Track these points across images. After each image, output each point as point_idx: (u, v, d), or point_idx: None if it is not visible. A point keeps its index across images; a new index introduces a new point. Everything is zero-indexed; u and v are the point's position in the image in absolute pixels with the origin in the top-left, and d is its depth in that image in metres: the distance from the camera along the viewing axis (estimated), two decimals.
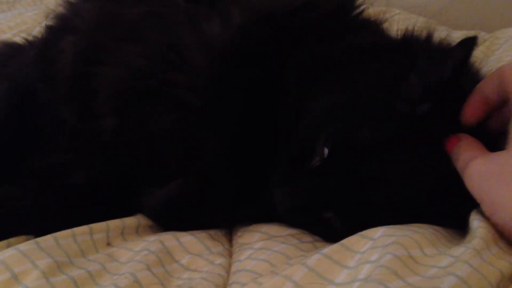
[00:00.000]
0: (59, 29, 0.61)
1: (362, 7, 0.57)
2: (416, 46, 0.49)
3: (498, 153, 0.37)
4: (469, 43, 0.42)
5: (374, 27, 0.59)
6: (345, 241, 0.38)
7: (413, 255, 0.34)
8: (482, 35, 0.83)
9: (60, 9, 0.63)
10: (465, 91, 0.42)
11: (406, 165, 0.41)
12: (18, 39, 0.92)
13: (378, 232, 0.37)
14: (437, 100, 0.40)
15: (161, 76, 0.50)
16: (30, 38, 0.74)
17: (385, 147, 0.41)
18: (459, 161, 0.38)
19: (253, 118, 0.48)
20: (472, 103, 0.41)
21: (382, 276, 0.31)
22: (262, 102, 0.48)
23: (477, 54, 0.74)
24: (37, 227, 0.45)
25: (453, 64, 0.41)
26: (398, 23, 0.86)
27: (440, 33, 0.51)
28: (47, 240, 0.41)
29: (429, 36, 0.50)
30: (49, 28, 0.63)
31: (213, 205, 0.47)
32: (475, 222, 0.36)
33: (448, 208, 0.40)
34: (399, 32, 0.53)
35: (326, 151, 0.43)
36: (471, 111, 0.41)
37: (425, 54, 0.45)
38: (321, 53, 0.49)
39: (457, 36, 0.82)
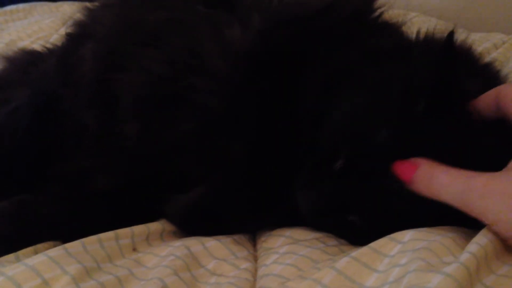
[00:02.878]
0: (79, 36, 0.61)
1: (380, 10, 0.57)
2: (430, 47, 0.49)
3: (497, 173, 0.35)
4: (449, 38, 0.42)
5: (393, 30, 0.58)
6: (373, 244, 0.38)
7: (445, 262, 0.33)
8: (500, 38, 0.82)
9: (79, 16, 0.64)
10: (470, 93, 0.42)
11: None
12: (36, 46, 0.93)
13: (406, 235, 0.37)
14: (429, 99, 0.40)
15: (183, 81, 0.50)
16: (49, 45, 0.75)
17: (403, 149, 0.41)
18: (450, 187, 0.37)
19: (275, 122, 0.48)
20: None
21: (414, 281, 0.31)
22: (284, 105, 0.48)
23: (496, 56, 0.74)
24: (63, 232, 0.45)
25: (436, 60, 0.42)
26: (415, 25, 0.87)
27: (460, 35, 0.51)
28: (75, 245, 0.41)
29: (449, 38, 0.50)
30: (69, 35, 0.64)
31: (237, 211, 0.47)
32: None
33: None
34: (419, 35, 0.53)
35: (349, 153, 0.43)
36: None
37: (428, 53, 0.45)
38: (342, 56, 0.49)
39: (475, 38, 0.82)
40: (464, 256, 0.32)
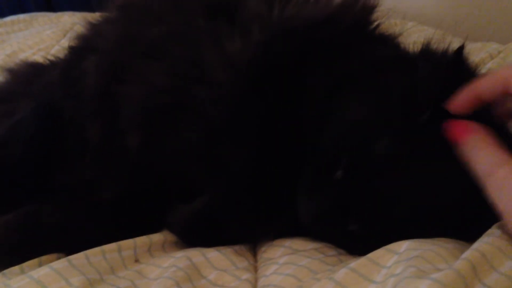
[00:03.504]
0: (82, 49, 0.62)
1: (378, 22, 0.58)
2: (431, 58, 0.50)
3: None
4: (459, 52, 0.43)
5: (390, 41, 0.59)
6: (371, 255, 0.39)
7: (439, 269, 0.34)
8: (496, 47, 0.83)
9: (82, 30, 0.65)
10: None
11: (425, 176, 0.41)
12: (37, 58, 0.94)
13: (403, 246, 0.38)
14: (436, 108, 0.41)
15: (184, 92, 0.51)
16: (50, 57, 0.76)
17: (404, 158, 0.41)
18: (480, 166, 0.37)
19: (277, 132, 0.49)
20: (462, 96, 0.41)
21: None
22: (285, 115, 0.49)
23: (492, 66, 0.75)
24: (67, 244, 0.46)
25: (446, 72, 0.42)
26: (412, 35, 0.88)
27: (456, 45, 0.52)
28: (78, 257, 0.42)
29: (445, 50, 0.51)
30: (72, 48, 0.65)
31: (239, 221, 0.48)
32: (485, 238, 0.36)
33: (470, 219, 0.40)
34: (415, 45, 0.54)
35: (349, 163, 0.44)
36: (459, 102, 0.41)
37: (431, 64, 0.46)
38: (342, 68, 0.50)
39: (471, 48, 0.83)
40: (457, 262, 0.33)
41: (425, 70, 0.45)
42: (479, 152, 0.37)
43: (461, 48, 0.44)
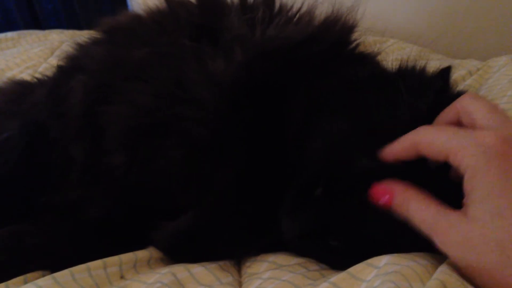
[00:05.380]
0: (70, 68, 0.63)
1: (357, 41, 0.59)
2: (410, 77, 0.51)
3: (457, 219, 0.36)
4: (446, 73, 0.45)
5: (369, 60, 0.61)
6: (351, 269, 0.40)
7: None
8: (475, 64, 0.85)
9: (70, 50, 0.66)
10: None
11: None
12: (25, 76, 0.95)
13: (382, 260, 0.39)
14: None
15: (168, 111, 0.52)
16: (38, 75, 0.77)
17: (383, 175, 0.43)
18: (419, 223, 0.38)
19: (259, 150, 0.50)
20: (387, 150, 0.42)
21: None
22: (267, 134, 0.50)
23: (471, 83, 0.77)
24: (53, 262, 0.47)
25: (434, 93, 0.44)
26: (393, 53, 0.90)
27: (435, 63, 0.54)
28: (64, 275, 0.42)
29: (422, 68, 0.52)
30: (59, 68, 0.66)
31: (224, 238, 0.49)
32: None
33: None
34: (393, 64, 0.55)
35: (328, 181, 0.45)
36: (388, 155, 0.42)
37: (412, 84, 0.47)
38: (322, 88, 0.51)
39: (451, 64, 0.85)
40: (430, 283, 0.34)
41: (407, 92, 0.46)
42: (413, 212, 0.39)
43: (447, 70, 0.45)
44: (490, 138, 0.36)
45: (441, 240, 0.37)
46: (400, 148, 0.41)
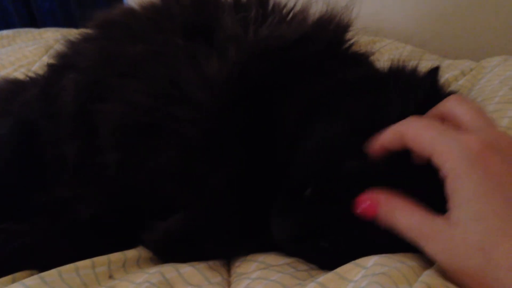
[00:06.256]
0: (61, 67, 0.63)
1: (351, 41, 0.59)
2: (401, 77, 0.51)
3: (441, 224, 0.36)
4: (434, 73, 0.45)
5: (363, 60, 0.61)
6: (339, 269, 0.40)
7: None
8: (469, 64, 0.85)
9: (62, 48, 0.65)
10: None
11: None
12: (18, 74, 0.95)
13: (370, 260, 0.39)
14: None
15: (162, 111, 0.52)
16: (31, 74, 0.77)
17: (373, 179, 0.42)
18: (405, 231, 0.38)
19: (252, 150, 0.50)
20: (373, 144, 0.42)
21: None
22: (260, 134, 0.50)
23: (464, 83, 0.77)
24: (42, 261, 0.46)
25: (422, 93, 0.44)
26: (387, 52, 0.90)
27: (428, 63, 0.53)
28: (51, 274, 0.42)
29: (414, 68, 0.52)
30: (51, 66, 0.65)
31: (215, 239, 0.49)
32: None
33: None
34: (386, 64, 0.55)
35: (318, 183, 0.45)
36: (373, 149, 0.42)
37: (403, 84, 0.47)
38: (315, 88, 0.51)
39: (444, 65, 0.85)
40: (416, 286, 0.34)
41: (394, 92, 0.46)
42: (398, 220, 0.39)
43: (435, 70, 0.46)
44: (475, 143, 0.36)
45: (427, 247, 0.37)
46: (386, 138, 0.41)
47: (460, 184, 0.36)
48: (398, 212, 0.39)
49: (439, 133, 0.38)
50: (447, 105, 0.42)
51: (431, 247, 0.37)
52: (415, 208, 0.38)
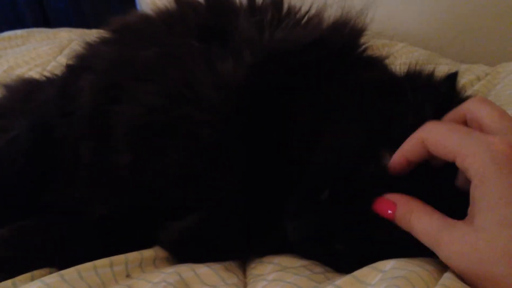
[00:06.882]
0: (79, 68, 0.64)
1: (365, 45, 0.59)
2: (417, 82, 0.51)
3: (463, 229, 0.36)
4: (453, 78, 0.45)
5: (378, 64, 0.61)
6: (356, 272, 0.40)
7: None
8: (484, 69, 0.85)
9: (80, 49, 0.66)
10: None
11: None
12: (33, 74, 0.95)
13: (388, 264, 0.39)
14: None
15: (176, 112, 0.52)
16: (46, 73, 0.78)
17: (389, 182, 0.43)
18: (422, 237, 0.38)
19: (266, 152, 0.50)
20: (395, 158, 0.42)
21: None
22: (274, 136, 0.50)
23: (479, 88, 0.77)
24: (59, 259, 0.47)
25: (440, 98, 0.44)
26: (401, 56, 0.90)
27: (443, 67, 0.53)
28: (70, 272, 0.42)
29: (431, 72, 0.52)
30: (69, 67, 0.66)
31: (229, 239, 0.49)
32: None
33: None
34: (401, 68, 0.55)
35: (335, 185, 0.45)
36: (394, 164, 0.42)
37: (420, 89, 0.47)
38: (329, 91, 0.51)
39: (459, 70, 0.85)
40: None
41: (411, 96, 0.46)
42: (415, 225, 0.39)
43: (454, 75, 0.45)
44: (502, 145, 0.35)
45: (444, 252, 0.37)
46: (408, 148, 0.41)
47: (487, 188, 0.35)
48: (416, 215, 0.39)
49: (464, 136, 0.37)
50: (468, 107, 0.41)
51: (449, 253, 0.36)
52: (433, 213, 0.38)
